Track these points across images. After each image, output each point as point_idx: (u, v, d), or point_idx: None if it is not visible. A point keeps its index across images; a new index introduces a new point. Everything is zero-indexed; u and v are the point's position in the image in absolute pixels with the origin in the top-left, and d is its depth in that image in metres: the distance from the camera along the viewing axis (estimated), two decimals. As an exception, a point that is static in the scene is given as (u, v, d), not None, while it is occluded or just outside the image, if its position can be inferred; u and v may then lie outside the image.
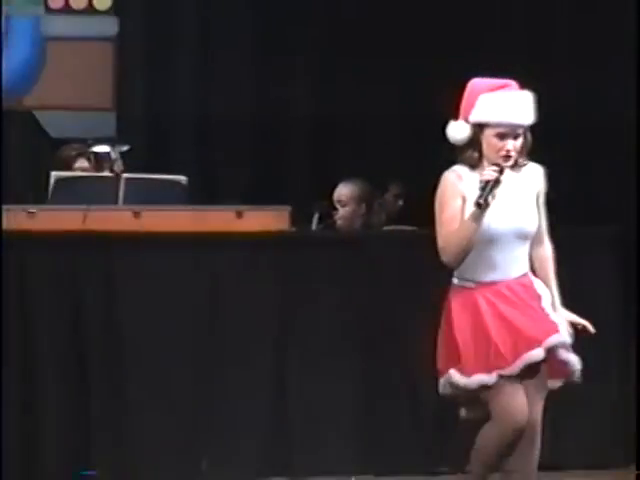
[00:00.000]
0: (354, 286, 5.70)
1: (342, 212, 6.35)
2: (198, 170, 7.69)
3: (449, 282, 4.01)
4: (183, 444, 5.63)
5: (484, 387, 3.64)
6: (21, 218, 5.65)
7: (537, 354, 3.72)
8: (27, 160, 7.71)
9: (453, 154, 4.07)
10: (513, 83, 3.87)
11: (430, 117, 7.51)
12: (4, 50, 8.35)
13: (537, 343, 3.72)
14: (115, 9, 7.95)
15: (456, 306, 3.79)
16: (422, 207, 5.72)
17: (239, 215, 5.84)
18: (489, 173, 3.60)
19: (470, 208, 3.63)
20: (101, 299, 5.70)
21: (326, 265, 5.78)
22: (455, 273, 3.77)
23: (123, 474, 5.65)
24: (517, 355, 3.74)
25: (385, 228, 6.44)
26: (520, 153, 3.76)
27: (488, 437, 3.70)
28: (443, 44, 7.85)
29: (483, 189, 3.63)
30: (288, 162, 8.12)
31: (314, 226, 6.48)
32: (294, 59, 8.40)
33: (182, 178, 6.39)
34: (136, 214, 5.97)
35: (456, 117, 3.78)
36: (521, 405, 3.60)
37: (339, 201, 6.37)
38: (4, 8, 7.94)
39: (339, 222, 6.42)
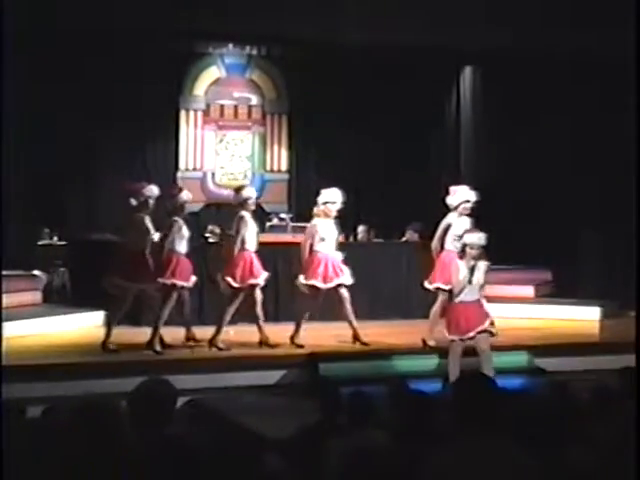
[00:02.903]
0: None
1: None
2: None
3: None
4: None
5: None
6: (265, 237, 9.63)
7: None
8: (258, 220, 9.84)
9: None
10: None
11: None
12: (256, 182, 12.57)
13: None
14: (288, 170, 14.30)
15: None
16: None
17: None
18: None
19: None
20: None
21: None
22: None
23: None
24: None
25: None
26: None
27: None
28: None
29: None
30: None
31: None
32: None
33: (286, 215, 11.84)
34: (294, 237, 10.60)
35: None
36: None
37: None
38: (255, 172, 13.46)
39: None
